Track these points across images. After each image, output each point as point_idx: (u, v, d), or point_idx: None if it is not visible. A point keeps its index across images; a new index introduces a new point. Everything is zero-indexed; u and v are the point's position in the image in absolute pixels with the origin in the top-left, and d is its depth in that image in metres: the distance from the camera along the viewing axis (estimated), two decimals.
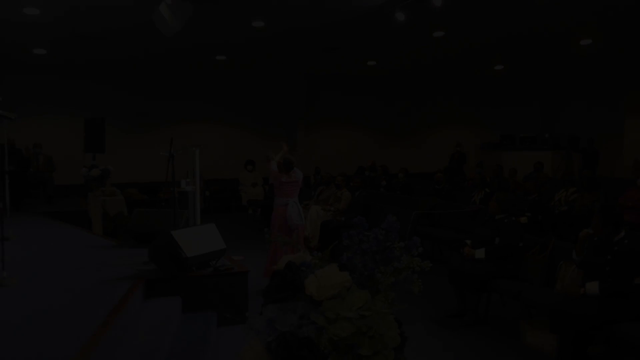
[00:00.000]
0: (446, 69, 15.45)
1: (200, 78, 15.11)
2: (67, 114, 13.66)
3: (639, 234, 6.06)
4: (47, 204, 11.18)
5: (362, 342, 1.86)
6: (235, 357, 2.09)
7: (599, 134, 15.22)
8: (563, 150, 15.44)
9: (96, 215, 8.81)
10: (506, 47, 12.08)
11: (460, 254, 5.94)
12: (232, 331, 4.92)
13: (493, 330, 5.49)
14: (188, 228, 5.72)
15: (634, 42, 11.70)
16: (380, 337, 1.89)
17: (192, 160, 6.60)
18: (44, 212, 9.93)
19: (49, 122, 13.70)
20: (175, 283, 5.09)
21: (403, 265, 2.04)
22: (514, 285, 5.37)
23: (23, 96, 13.19)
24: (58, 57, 12.10)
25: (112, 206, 9.59)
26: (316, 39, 10.93)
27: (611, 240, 4.48)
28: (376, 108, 17.00)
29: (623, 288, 4.31)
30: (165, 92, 14.89)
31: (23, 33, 9.92)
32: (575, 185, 9.09)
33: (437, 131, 17.82)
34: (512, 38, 11.10)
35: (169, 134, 6.90)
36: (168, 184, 6.39)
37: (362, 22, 9.82)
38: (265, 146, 15.77)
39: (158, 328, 4.28)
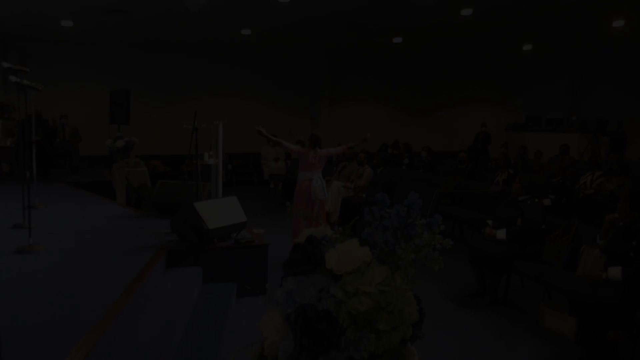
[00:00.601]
0: (473, 48, 15.21)
1: (225, 52, 15.08)
2: (93, 86, 13.79)
3: None
4: (72, 174, 11.35)
5: (380, 317, 1.87)
6: (254, 328, 2.11)
7: (628, 118, 14.91)
8: (590, 133, 15.18)
9: (120, 186, 8.92)
10: (535, 26, 11.84)
11: (481, 234, 5.90)
12: (251, 302, 4.99)
13: (511, 312, 5.48)
14: (210, 200, 5.78)
15: None
16: (399, 313, 1.90)
17: (216, 134, 6.62)
18: (69, 182, 10.08)
19: (75, 93, 13.84)
20: (196, 254, 5.16)
21: (424, 242, 2.03)
22: (534, 267, 5.33)
23: (50, 68, 13.33)
24: (85, 29, 12.15)
25: (135, 177, 9.71)
26: (342, 14, 10.81)
27: (637, 226, 4.42)
28: (401, 85, 16.84)
29: None
30: (191, 66, 14.91)
31: (51, 4, 9.97)
32: (601, 169, 8.95)
33: (462, 111, 17.62)
34: (541, 17, 10.86)
35: (193, 108, 6.93)
36: (191, 157, 6.44)
37: None
38: (288, 121, 15.87)
39: (179, 297, 4.35)
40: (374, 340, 1.80)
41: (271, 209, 11.10)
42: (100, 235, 5.79)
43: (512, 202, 5.88)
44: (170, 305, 4.13)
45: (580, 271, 5.00)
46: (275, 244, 5.60)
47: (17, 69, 5.58)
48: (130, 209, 7.80)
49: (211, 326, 4.15)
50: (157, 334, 3.54)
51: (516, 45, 14.68)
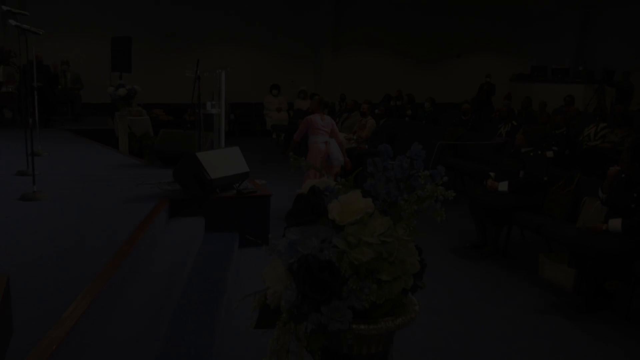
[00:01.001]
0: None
1: (227, 0, 14.81)
2: (94, 32, 13.59)
3: None
4: (74, 121, 11.31)
5: (382, 267, 1.89)
6: (256, 277, 2.14)
7: (635, 68, 14.70)
8: (596, 84, 15.00)
9: (123, 134, 8.91)
10: None
11: (483, 185, 5.91)
12: (253, 252, 5.04)
13: (511, 263, 5.54)
14: (212, 150, 5.77)
15: None
16: (401, 263, 1.91)
17: (218, 83, 6.56)
18: (72, 130, 10.06)
19: (76, 40, 13.65)
20: (199, 204, 5.19)
21: (427, 194, 2.03)
22: (535, 219, 5.36)
23: (51, 13, 13.11)
24: None
25: (138, 126, 9.67)
26: None
27: (638, 178, 4.41)
28: (405, 31, 16.54)
29: None
30: (192, 13, 14.65)
31: None
32: (606, 120, 8.90)
33: (466, 61, 17.39)
34: None
35: (196, 56, 6.84)
36: (193, 106, 6.40)
37: None
38: (291, 70, 15.70)
39: (182, 245, 4.40)
40: (375, 290, 1.82)
41: (274, 160, 11.11)
42: (103, 184, 5.81)
43: (515, 154, 5.86)
44: (173, 253, 4.18)
45: (581, 223, 5.03)
46: (277, 195, 5.62)
47: (17, 12, 5.49)
48: (132, 158, 7.80)
49: (214, 275, 4.21)
50: (161, 282, 3.59)
51: None
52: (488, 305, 4.52)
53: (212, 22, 14.85)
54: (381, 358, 1.96)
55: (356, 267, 1.85)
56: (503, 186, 5.61)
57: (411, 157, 2.07)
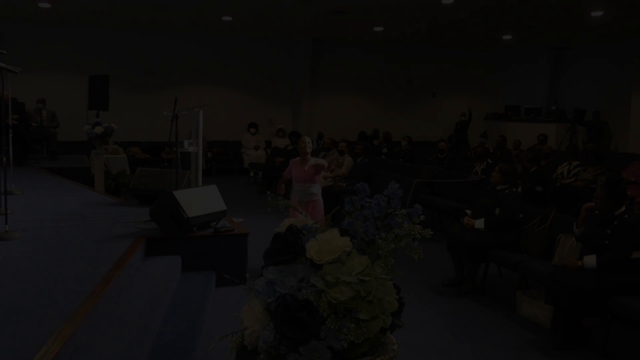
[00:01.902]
0: (454, 37, 15.24)
1: (206, 39, 14.95)
2: (71, 71, 13.58)
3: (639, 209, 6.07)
4: (50, 159, 11.19)
5: (360, 307, 1.88)
6: (234, 317, 2.12)
7: (605, 108, 15.10)
8: (568, 123, 15.35)
9: (99, 172, 8.83)
10: (515, 16, 11.89)
11: (460, 223, 5.96)
12: (231, 291, 4.99)
13: (489, 300, 5.55)
14: (190, 189, 5.75)
15: None
16: (379, 302, 1.91)
17: (196, 121, 6.57)
18: (47, 168, 9.95)
19: (53, 78, 13.61)
20: (175, 242, 5.14)
21: (404, 232, 2.05)
22: (512, 256, 5.40)
23: (28, 51, 13.10)
24: (63, 11, 11.93)
25: (114, 164, 9.61)
26: (324, 1, 10.76)
27: (612, 215, 4.49)
28: (382, 75, 16.84)
29: (620, 262, 4.34)
30: (171, 52, 14.75)
31: None
32: (579, 158, 9.08)
33: (442, 99, 17.69)
34: (521, 6, 10.91)
35: (174, 94, 6.87)
36: (171, 144, 6.39)
37: None
38: (269, 109, 15.81)
39: (157, 285, 4.33)
40: (354, 330, 1.82)
41: (251, 198, 11.08)
42: (78, 223, 5.73)
43: (491, 191, 5.93)
44: (148, 294, 4.11)
45: (557, 259, 5.08)
46: (255, 233, 5.59)
47: None
48: (108, 197, 7.73)
49: (190, 315, 4.15)
50: (135, 323, 3.52)
51: (497, 35, 14.73)
52: (467, 343, 4.51)
53: (190, 61, 14.94)
54: None
55: (334, 306, 1.85)
56: (479, 224, 5.66)
57: (388, 196, 2.09)
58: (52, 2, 10.89)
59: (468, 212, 5.96)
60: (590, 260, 4.42)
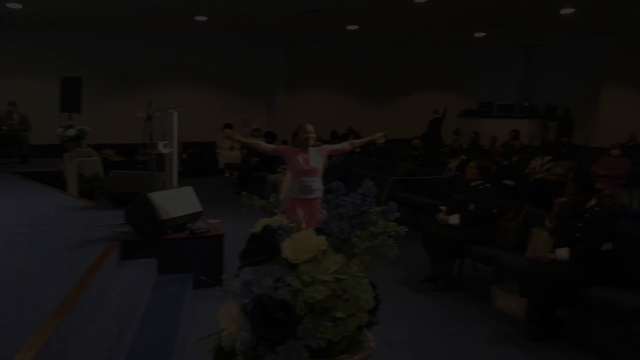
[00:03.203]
0: (427, 36, 15.36)
1: (180, 40, 14.84)
2: (43, 73, 13.37)
3: (608, 201, 6.19)
4: (22, 163, 11.01)
5: (337, 305, 1.89)
6: (210, 319, 2.11)
7: (575, 103, 15.36)
8: (540, 119, 15.58)
9: (72, 176, 8.71)
10: (487, 14, 12.02)
11: (435, 219, 6.01)
12: (207, 293, 4.96)
13: (465, 295, 5.61)
14: (165, 191, 5.70)
15: (612, 13, 11.73)
16: (355, 300, 1.93)
17: (170, 122, 6.53)
18: (18, 172, 9.79)
19: (24, 80, 13.39)
20: (151, 245, 5.10)
21: (379, 230, 2.06)
22: (486, 251, 5.47)
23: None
24: (34, 12, 11.73)
25: (88, 167, 9.49)
26: (298, 0, 10.75)
27: (583, 208, 4.58)
28: (356, 74, 16.89)
29: (591, 254, 4.42)
30: (145, 54, 14.61)
31: None
32: (551, 153, 9.21)
33: (415, 97, 17.80)
34: (493, 5, 11.04)
35: (147, 95, 6.81)
36: (145, 146, 6.33)
37: None
38: (244, 109, 15.76)
39: (134, 289, 4.30)
40: (330, 328, 1.83)
41: (227, 199, 11.03)
42: (52, 228, 5.65)
43: (465, 187, 5.99)
44: (124, 298, 4.08)
45: (530, 253, 5.16)
46: (231, 234, 5.57)
47: None
48: (82, 200, 7.63)
49: (167, 319, 4.12)
50: (112, 328, 3.49)
51: (469, 33, 14.88)
52: (443, 337, 4.56)
53: (165, 62, 14.82)
54: None
55: (311, 305, 1.86)
56: (454, 219, 5.72)
57: (363, 194, 2.11)
58: (23, 2, 10.70)
59: (443, 208, 6.01)
60: (563, 253, 4.50)
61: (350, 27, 13.82)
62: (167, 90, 14.55)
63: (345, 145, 5.97)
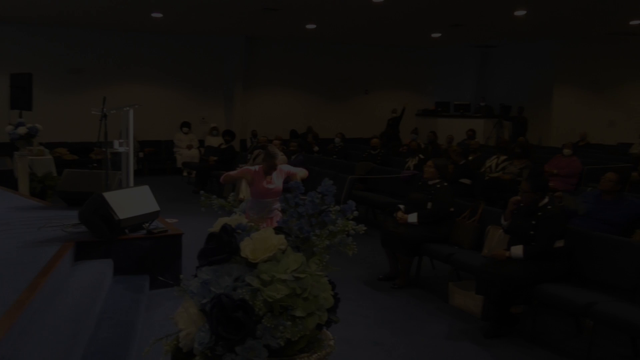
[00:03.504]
0: (385, 35, 15.48)
1: (136, 37, 14.58)
2: None
3: (561, 199, 6.36)
4: None
5: (296, 304, 1.89)
6: (168, 320, 2.08)
7: (529, 103, 15.73)
8: (495, 118, 15.90)
9: (23, 175, 8.47)
10: (443, 14, 12.19)
11: (393, 218, 6.06)
12: (165, 294, 4.90)
13: (423, 292, 5.68)
14: (120, 190, 5.59)
15: (562, 16, 12.05)
16: (315, 299, 1.93)
17: (126, 120, 6.41)
18: None
19: None
20: (107, 246, 5.00)
21: (338, 229, 2.07)
22: (444, 249, 5.55)
23: None
24: None
25: (40, 166, 9.25)
26: None
27: (536, 206, 4.68)
28: (315, 72, 16.91)
29: (544, 251, 4.53)
30: (99, 51, 14.29)
31: None
32: (506, 153, 9.40)
33: (374, 98, 17.92)
34: (448, 5, 11.20)
35: (102, 93, 6.67)
36: (100, 145, 6.21)
37: None
38: (201, 108, 15.60)
39: (88, 290, 4.20)
40: (290, 327, 1.82)
41: (185, 198, 10.91)
42: (2, 228, 5.47)
43: (423, 186, 6.06)
44: (79, 300, 3.98)
45: (486, 251, 5.25)
46: (189, 234, 5.51)
47: None
48: (34, 200, 7.42)
49: (123, 320, 4.04)
50: (65, 330, 3.41)
51: (426, 33, 15.06)
52: (402, 335, 4.60)
53: (120, 59, 14.53)
54: None
55: (270, 304, 1.85)
56: (412, 218, 5.78)
57: (322, 193, 2.11)
58: None
59: (401, 207, 6.07)
60: (517, 250, 4.60)
61: (309, 27, 13.84)
62: (123, 87, 14.29)
63: (301, 172, 5.60)
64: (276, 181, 5.36)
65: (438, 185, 5.88)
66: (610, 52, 15.64)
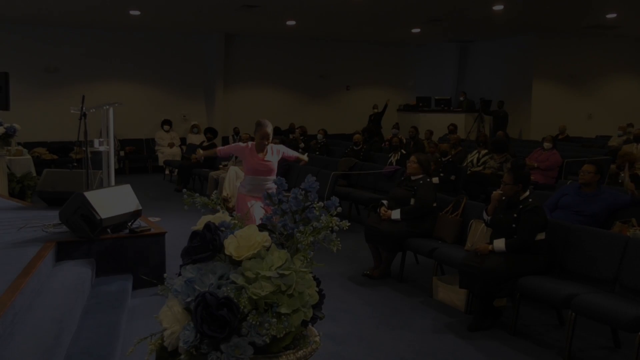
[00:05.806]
0: (365, 31, 15.50)
1: (115, 35, 14.45)
2: None
3: (542, 193, 6.42)
4: None
5: (281, 301, 1.89)
6: (152, 319, 2.07)
7: (509, 98, 15.86)
8: (476, 113, 16.00)
9: (1, 176, 8.36)
10: (422, 9, 12.22)
11: (377, 214, 6.08)
12: (149, 293, 4.87)
13: (407, 287, 5.70)
14: (102, 189, 5.54)
15: (539, 11, 12.16)
16: (300, 295, 1.93)
17: (106, 119, 6.35)
18: None
19: None
20: (88, 245, 4.95)
21: (322, 225, 2.07)
22: (427, 244, 5.58)
23: None
24: None
25: (18, 166, 9.14)
26: None
27: (517, 199, 4.73)
28: (296, 69, 16.90)
29: (526, 244, 4.58)
30: (77, 49, 14.13)
31: None
32: (487, 147, 9.47)
33: (355, 94, 17.95)
34: (428, 0, 11.25)
35: (81, 91, 6.61)
36: (80, 144, 6.14)
37: None
38: (183, 105, 15.50)
39: (70, 290, 4.16)
40: (275, 324, 1.82)
41: (167, 196, 10.84)
42: None
43: (405, 182, 6.09)
44: (61, 300, 3.94)
45: (469, 245, 5.29)
46: (172, 232, 5.48)
47: None
48: (13, 200, 7.33)
49: (106, 320, 4.01)
50: (47, 331, 3.37)
51: (406, 29, 15.10)
52: (387, 330, 4.62)
53: (99, 57, 14.39)
54: None
55: (255, 302, 1.84)
56: (396, 214, 5.80)
57: (305, 189, 2.11)
58: None
59: (384, 202, 6.08)
60: (500, 243, 4.64)
61: (289, 23, 13.80)
62: (103, 86, 14.16)
63: (296, 155, 5.91)
64: (270, 157, 5.38)
65: (421, 181, 5.90)
66: (588, 45, 15.84)
